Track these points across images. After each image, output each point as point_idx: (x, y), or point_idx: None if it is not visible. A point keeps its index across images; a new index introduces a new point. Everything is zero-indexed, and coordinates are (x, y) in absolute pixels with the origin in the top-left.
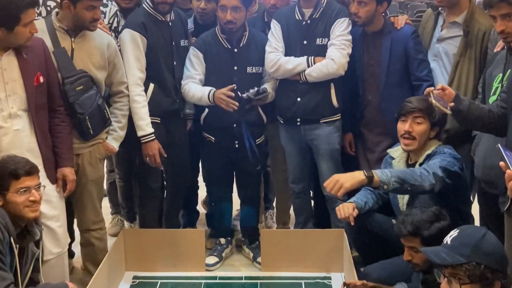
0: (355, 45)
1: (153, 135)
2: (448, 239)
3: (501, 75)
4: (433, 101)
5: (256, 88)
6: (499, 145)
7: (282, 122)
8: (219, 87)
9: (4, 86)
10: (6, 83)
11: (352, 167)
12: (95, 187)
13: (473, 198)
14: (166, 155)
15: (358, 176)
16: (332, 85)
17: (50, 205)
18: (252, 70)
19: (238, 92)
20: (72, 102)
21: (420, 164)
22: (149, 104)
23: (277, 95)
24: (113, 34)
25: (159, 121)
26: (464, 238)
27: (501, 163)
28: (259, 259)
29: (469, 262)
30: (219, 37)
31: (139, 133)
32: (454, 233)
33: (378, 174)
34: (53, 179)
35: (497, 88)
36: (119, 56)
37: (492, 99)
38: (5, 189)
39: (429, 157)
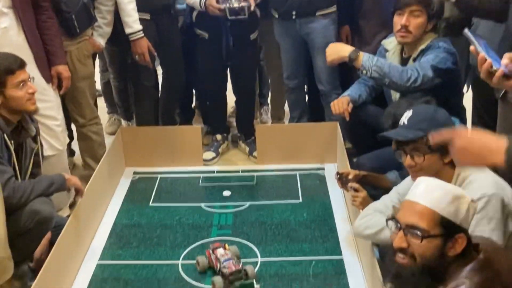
0: None
1: (141, 32)
2: (404, 119)
3: None
4: None
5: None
6: (466, 29)
7: (276, 16)
8: None
9: None
10: None
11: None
12: (86, 84)
13: (468, 88)
14: (156, 53)
15: (343, 52)
16: None
17: (47, 104)
18: None
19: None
20: (58, 0)
21: (414, 59)
22: None
23: None
24: None
25: (149, 18)
26: (419, 115)
27: (471, 48)
28: (255, 153)
29: (428, 133)
30: None
31: (127, 31)
32: (408, 113)
33: (364, 58)
34: (47, 78)
35: None
36: None
37: None
38: (2, 86)
39: (423, 52)
